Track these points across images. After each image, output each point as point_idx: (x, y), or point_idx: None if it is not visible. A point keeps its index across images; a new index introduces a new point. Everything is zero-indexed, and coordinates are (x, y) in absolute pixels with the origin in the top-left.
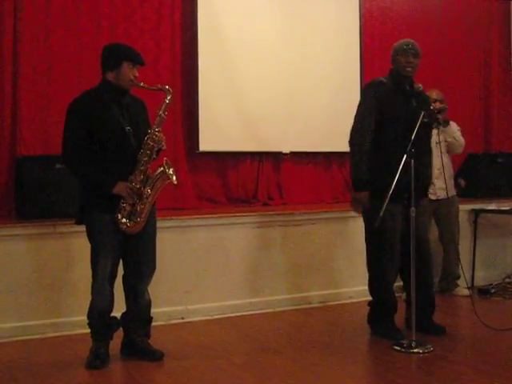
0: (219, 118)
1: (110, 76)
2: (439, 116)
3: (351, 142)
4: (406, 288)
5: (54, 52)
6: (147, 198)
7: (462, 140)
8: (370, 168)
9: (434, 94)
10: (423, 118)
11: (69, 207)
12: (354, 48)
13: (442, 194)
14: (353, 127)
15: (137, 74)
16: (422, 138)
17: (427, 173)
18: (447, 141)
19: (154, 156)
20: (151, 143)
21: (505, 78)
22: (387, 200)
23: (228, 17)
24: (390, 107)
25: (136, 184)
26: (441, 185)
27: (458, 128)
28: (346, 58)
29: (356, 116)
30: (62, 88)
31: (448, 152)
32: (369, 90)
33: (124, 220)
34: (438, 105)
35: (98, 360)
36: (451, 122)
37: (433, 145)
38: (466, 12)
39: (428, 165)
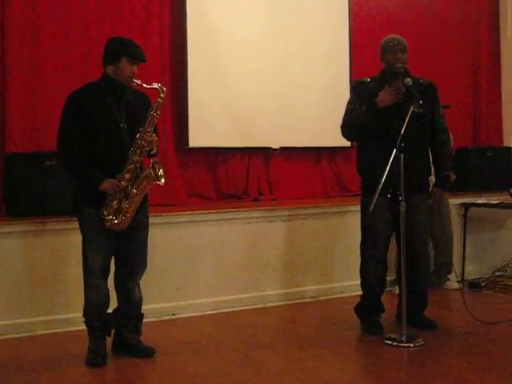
0: (209, 114)
1: (110, 70)
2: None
3: (344, 134)
4: (399, 283)
5: (41, 48)
6: (133, 198)
7: (451, 137)
8: (359, 166)
9: None
10: (414, 109)
11: (59, 204)
12: (343, 43)
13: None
14: (341, 125)
15: (135, 71)
16: (414, 131)
17: (418, 168)
18: None
19: (145, 155)
20: (142, 142)
21: (494, 73)
22: (376, 194)
23: (217, 12)
24: (371, 105)
25: (124, 182)
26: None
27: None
28: (335, 53)
29: (344, 115)
30: (51, 84)
31: None
32: (352, 90)
33: (109, 217)
34: None
35: (99, 358)
36: None
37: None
38: (455, 7)
39: (419, 159)
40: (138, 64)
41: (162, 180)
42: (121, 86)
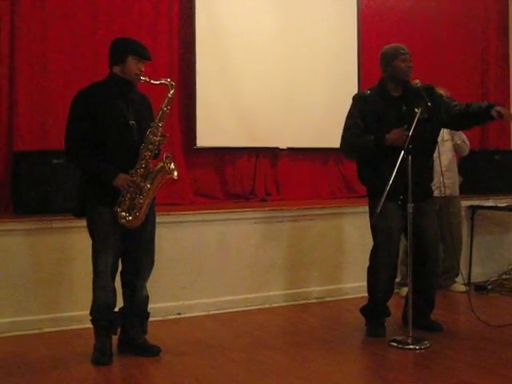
0: (216, 114)
1: (117, 70)
2: None
3: (342, 150)
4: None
5: (50, 47)
6: (147, 193)
7: (468, 142)
8: (362, 175)
9: (441, 91)
10: (420, 114)
11: (66, 202)
12: (351, 44)
13: (436, 193)
14: (340, 142)
15: (142, 69)
16: (418, 137)
17: (422, 173)
18: (457, 143)
19: (157, 151)
20: (153, 137)
21: (502, 75)
22: (384, 196)
23: (226, 12)
24: (373, 119)
25: (136, 178)
26: (438, 183)
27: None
28: (343, 54)
29: (343, 130)
30: (59, 83)
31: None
32: (352, 104)
33: (123, 213)
34: None
35: (105, 356)
36: None
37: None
38: (463, 9)
39: (423, 165)
40: (144, 62)
41: (175, 173)
42: (128, 84)
